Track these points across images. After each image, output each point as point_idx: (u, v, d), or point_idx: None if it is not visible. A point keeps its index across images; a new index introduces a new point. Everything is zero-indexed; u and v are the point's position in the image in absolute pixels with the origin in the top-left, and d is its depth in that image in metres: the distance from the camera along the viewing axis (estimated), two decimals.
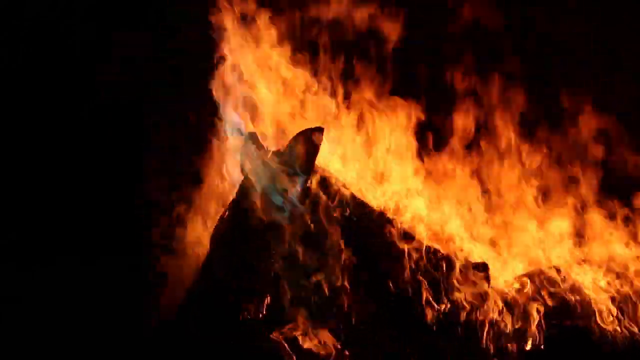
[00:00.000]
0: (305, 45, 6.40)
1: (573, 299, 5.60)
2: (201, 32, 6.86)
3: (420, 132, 6.43)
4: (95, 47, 7.37)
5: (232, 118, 5.93)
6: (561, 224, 6.25)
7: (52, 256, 6.91)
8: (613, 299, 5.68)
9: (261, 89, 6.07)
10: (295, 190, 5.47)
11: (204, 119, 6.48)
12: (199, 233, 6.22)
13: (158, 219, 6.97)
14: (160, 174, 7.19)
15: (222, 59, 6.06)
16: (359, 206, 5.62)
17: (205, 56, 6.62)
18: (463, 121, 6.51)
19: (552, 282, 5.71)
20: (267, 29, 6.14)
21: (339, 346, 5.45)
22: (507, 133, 6.53)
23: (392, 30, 6.55)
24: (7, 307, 6.62)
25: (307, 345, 5.45)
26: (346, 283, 5.44)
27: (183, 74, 7.35)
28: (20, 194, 7.11)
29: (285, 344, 5.45)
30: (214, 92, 6.06)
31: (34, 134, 7.24)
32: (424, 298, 5.41)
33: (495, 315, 5.48)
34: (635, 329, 5.59)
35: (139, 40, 7.41)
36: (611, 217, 6.35)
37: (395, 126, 6.22)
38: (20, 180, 7.12)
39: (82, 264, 6.88)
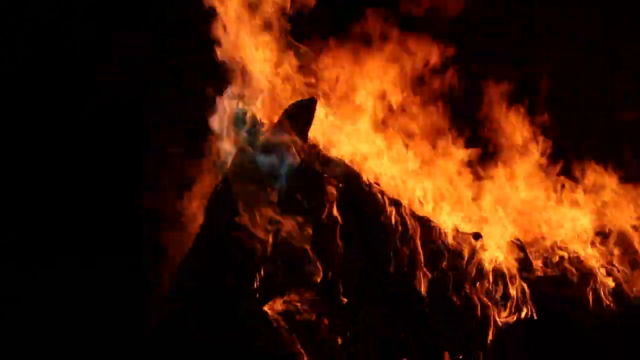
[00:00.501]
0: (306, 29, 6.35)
1: (569, 268, 5.63)
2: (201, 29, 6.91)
3: (417, 110, 6.42)
4: (95, 47, 7.37)
5: (229, 93, 5.90)
6: (559, 193, 6.27)
7: (52, 256, 6.91)
8: (610, 269, 5.72)
9: (258, 66, 6.01)
10: (289, 161, 5.42)
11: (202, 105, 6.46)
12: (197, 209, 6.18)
13: (158, 218, 6.99)
14: (160, 173, 7.20)
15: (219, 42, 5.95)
16: (353, 178, 5.58)
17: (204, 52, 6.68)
18: (459, 102, 6.47)
19: (547, 250, 5.77)
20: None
21: (332, 320, 5.44)
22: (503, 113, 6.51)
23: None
24: (7, 307, 6.62)
25: (301, 317, 5.43)
26: (340, 254, 5.40)
27: (183, 73, 7.36)
28: (20, 194, 7.11)
29: (279, 317, 5.42)
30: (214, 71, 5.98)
31: (34, 134, 7.23)
32: (418, 268, 5.41)
33: (488, 284, 5.50)
34: (630, 298, 5.63)
35: (139, 40, 7.41)
36: (610, 188, 6.36)
37: (393, 104, 6.19)
38: (20, 180, 7.12)
39: (82, 264, 6.88)
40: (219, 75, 6.33)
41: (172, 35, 7.35)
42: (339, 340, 5.43)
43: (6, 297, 6.66)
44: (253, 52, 5.95)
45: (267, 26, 6.09)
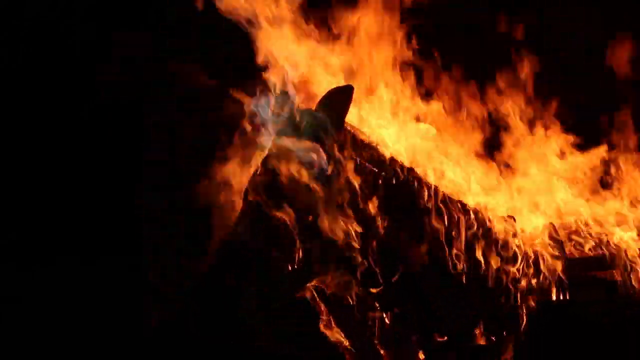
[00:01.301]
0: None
1: (600, 251, 5.74)
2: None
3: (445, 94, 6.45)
4: (95, 47, 7.36)
5: (268, 79, 5.93)
6: (590, 177, 6.41)
7: (52, 256, 6.91)
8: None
9: (296, 50, 6.05)
10: (325, 146, 5.45)
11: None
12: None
13: (158, 218, 7.00)
14: (160, 173, 7.20)
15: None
16: (388, 162, 5.68)
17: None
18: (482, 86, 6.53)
19: (579, 234, 5.88)
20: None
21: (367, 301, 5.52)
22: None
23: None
24: (7, 307, 6.62)
25: (334, 298, 5.51)
26: (377, 238, 5.48)
27: (183, 73, 7.37)
28: (20, 194, 7.10)
29: (316, 296, 5.47)
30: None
31: (33, 134, 7.23)
32: (454, 250, 5.49)
33: (522, 266, 5.57)
34: None
35: (139, 40, 7.41)
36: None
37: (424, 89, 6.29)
38: (20, 180, 7.12)
39: (82, 264, 6.88)
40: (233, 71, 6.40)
41: (172, 35, 7.36)
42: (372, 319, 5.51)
43: (6, 297, 6.66)
44: (287, 40, 6.00)
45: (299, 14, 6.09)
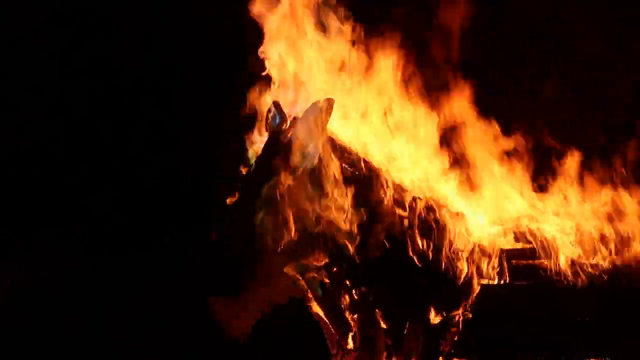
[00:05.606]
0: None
1: (534, 242, 6.33)
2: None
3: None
4: (96, 48, 7.40)
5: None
6: (524, 177, 6.76)
7: (52, 256, 6.95)
8: (570, 244, 6.41)
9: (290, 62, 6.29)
10: (309, 153, 5.98)
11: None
12: None
13: (160, 217, 7.05)
14: (164, 172, 7.25)
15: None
16: (362, 163, 6.24)
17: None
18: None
19: (516, 227, 6.46)
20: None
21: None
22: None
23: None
24: (7, 306, 6.67)
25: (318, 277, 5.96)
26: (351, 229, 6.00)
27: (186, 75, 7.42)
28: (20, 194, 7.15)
29: (301, 279, 5.93)
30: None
31: (34, 134, 7.28)
32: (414, 240, 6.09)
33: (470, 254, 6.21)
34: (589, 269, 6.24)
35: (141, 40, 7.45)
36: (570, 169, 6.77)
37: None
38: (20, 180, 7.17)
39: (83, 264, 6.92)
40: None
41: (171, 35, 7.39)
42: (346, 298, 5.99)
43: (7, 296, 6.71)
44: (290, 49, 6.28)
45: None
